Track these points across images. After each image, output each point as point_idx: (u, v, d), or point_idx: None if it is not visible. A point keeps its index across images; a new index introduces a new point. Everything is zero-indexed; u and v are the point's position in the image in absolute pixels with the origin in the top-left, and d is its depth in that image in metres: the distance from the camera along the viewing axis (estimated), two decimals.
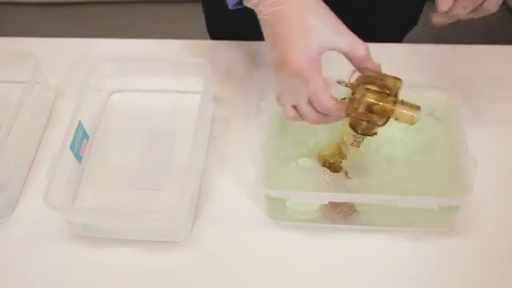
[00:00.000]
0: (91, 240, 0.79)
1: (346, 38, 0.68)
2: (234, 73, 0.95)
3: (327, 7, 0.69)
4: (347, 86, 0.70)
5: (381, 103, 0.67)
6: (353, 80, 0.70)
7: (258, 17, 0.70)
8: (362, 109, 0.68)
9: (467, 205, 0.76)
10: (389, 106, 0.67)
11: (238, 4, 0.71)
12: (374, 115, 0.68)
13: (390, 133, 0.79)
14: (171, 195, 0.80)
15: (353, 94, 0.69)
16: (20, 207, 0.82)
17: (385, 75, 0.68)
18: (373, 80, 0.68)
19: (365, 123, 0.70)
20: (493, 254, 0.75)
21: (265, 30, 0.69)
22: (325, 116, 0.69)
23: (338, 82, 0.70)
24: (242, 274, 0.75)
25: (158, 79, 0.92)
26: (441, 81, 0.84)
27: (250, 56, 0.98)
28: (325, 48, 0.68)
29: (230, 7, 0.72)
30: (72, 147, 0.79)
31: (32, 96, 0.84)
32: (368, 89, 0.68)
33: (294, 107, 0.70)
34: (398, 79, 0.68)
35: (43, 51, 0.89)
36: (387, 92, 0.67)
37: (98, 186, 0.83)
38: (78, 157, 0.81)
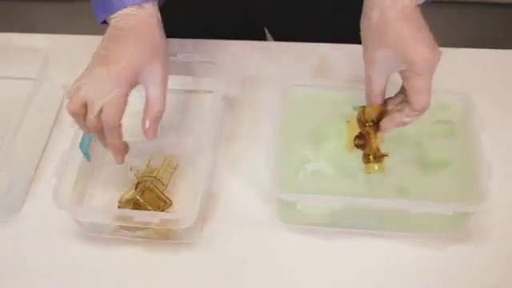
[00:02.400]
0: (99, 239, 0.78)
1: (161, 87, 0.72)
2: (244, 72, 0.95)
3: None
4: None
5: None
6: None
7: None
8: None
9: (481, 210, 0.75)
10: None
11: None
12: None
13: (406, 135, 0.79)
14: (181, 196, 0.79)
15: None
16: (27, 205, 0.82)
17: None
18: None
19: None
20: (506, 260, 0.74)
21: (110, 32, 0.71)
22: (100, 132, 0.71)
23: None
24: (251, 276, 0.75)
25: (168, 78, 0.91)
26: (456, 85, 0.83)
27: (261, 55, 0.97)
28: (142, 69, 0.70)
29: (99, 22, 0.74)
30: (81, 145, 0.78)
31: (41, 93, 0.84)
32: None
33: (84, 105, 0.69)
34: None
35: (53, 48, 0.89)
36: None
37: (106, 185, 0.82)
38: (87, 155, 0.80)
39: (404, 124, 0.71)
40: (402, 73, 0.68)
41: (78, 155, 0.79)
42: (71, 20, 1.79)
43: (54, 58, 0.88)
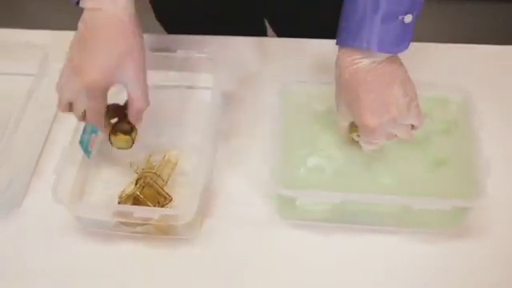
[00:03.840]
0: (99, 235, 0.78)
1: (140, 86, 0.73)
2: (244, 68, 0.94)
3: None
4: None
5: None
6: None
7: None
8: None
9: (479, 207, 0.75)
10: None
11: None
12: None
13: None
14: (181, 191, 0.79)
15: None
16: (27, 201, 0.82)
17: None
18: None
19: None
20: (505, 257, 0.74)
21: (83, 25, 0.71)
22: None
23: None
24: (251, 272, 0.75)
25: (167, 74, 0.91)
26: (456, 82, 0.83)
27: (261, 51, 0.97)
28: (125, 79, 0.71)
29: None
30: (81, 142, 0.78)
31: (41, 89, 0.84)
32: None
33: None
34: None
35: (53, 44, 0.89)
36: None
37: (106, 181, 0.82)
38: (87, 151, 0.80)
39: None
40: None
41: (78, 151, 0.79)
42: (72, 17, 1.78)
43: (55, 55, 0.87)
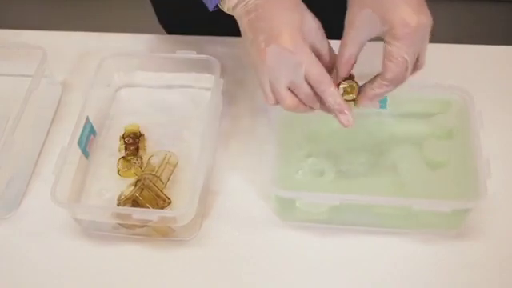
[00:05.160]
0: (98, 237, 0.78)
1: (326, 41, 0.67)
2: (243, 69, 0.94)
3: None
4: None
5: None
6: None
7: (237, 16, 0.66)
8: None
9: (479, 208, 0.75)
10: None
11: (216, 7, 0.68)
12: None
13: (405, 132, 0.79)
14: (180, 193, 0.79)
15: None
16: (26, 201, 0.82)
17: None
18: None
19: None
20: (505, 257, 0.74)
21: (247, 18, 0.65)
22: (315, 98, 0.66)
23: None
24: (250, 273, 0.75)
25: (166, 75, 0.91)
26: (456, 82, 0.83)
27: None
28: (310, 38, 0.65)
29: (211, 9, 0.69)
30: (79, 143, 0.78)
31: (39, 90, 0.84)
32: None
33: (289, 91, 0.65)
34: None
35: (51, 45, 0.88)
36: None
37: (105, 182, 0.82)
38: (85, 152, 0.80)
39: (377, 96, 0.67)
40: (384, 39, 0.64)
41: (77, 152, 0.79)
42: (72, 17, 1.79)
43: (53, 55, 0.87)
